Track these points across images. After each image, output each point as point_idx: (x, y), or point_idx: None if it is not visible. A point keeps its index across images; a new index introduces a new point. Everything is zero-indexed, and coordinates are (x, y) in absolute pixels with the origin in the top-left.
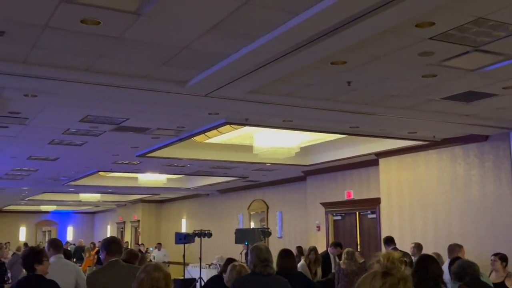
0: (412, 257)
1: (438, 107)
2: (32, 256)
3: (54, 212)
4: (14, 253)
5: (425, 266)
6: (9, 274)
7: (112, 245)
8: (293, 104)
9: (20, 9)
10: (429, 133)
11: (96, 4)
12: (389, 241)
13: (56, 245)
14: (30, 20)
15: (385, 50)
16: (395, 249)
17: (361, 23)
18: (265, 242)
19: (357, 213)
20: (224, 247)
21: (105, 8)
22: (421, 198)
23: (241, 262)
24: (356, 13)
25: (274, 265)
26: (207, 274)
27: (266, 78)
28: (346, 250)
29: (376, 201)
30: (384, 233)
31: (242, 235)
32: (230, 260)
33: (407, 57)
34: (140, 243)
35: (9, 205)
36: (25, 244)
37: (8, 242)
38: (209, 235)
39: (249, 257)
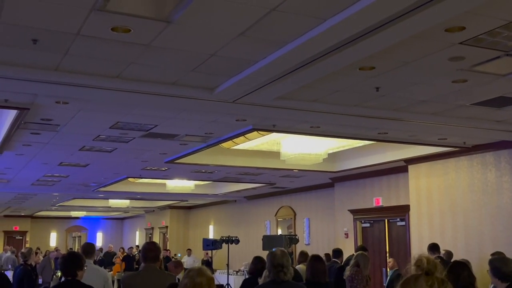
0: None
1: (469, 113)
2: (73, 261)
3: (84, 218)
4: (44, 256)
5: (456, 273)
6: (40, 280)
7: (148, 251)
8: (320, 110)
9: (53, 18)
10: (460, 139)
11: (126, 12)
12: (433, 248)
13: (86, 250)
14: (62, 28)
15: (414, 55)
16: (439, 257)
17: (390, 29)
18: (292, 249)
19: (386, 220)
20: (251, 253)
21: (135, 16)
22: (452, 205)
23: None
24: (385, 18)
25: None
26: (234, 281)
27: (294, 84)
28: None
29: (406, 208)
30: (414, 241)
31: (269, 242)
32: (257, 258)
33: (436, 62)
34: (167, 248)
35: (40, 210)
36: (56, 249)
37: (38, 248)
38: (237, 241)
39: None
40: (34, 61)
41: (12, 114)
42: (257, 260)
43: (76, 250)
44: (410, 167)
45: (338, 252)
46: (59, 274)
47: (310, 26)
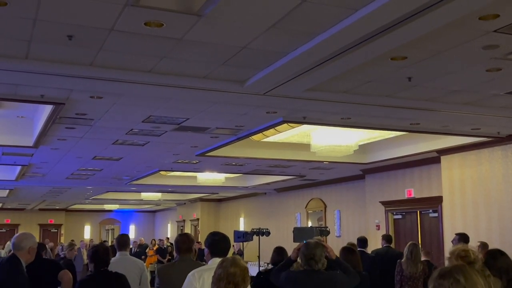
0: None
1: (503, 102)
2: (104, 253)
3: (117, 211)
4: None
5: (493, 260)
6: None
7: (181, 243)
8: (352, 101)
9: (88, 14)
10: (493, 129)
11: (159, 6)
12: (466, 238)
13: (121, 242)
14: (96, 24)
15: (447, 44)
16: None
17: (422, 18)
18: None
19: (418, 212)
20: (282, 245)
21: (168, 11)
22: (485, 197)
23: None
24: (417, 7)
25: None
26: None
27: (325, 76)
28: (408, 244)
29: (438, 200)
30: (447, 233)
31: (300, 234)
32: (280, 249)
33: (470, 51)
34: (199, 241)
35: (75, 204)
36: (91, 241)
37: (72, 240)
38: (268, 233)
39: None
40: (69, 57)
41: (47, 109)
42: (280, 250)
43: (110, 242)
44: (443, 158)
45: (364, 242)
46: None
47: (341, 16)
